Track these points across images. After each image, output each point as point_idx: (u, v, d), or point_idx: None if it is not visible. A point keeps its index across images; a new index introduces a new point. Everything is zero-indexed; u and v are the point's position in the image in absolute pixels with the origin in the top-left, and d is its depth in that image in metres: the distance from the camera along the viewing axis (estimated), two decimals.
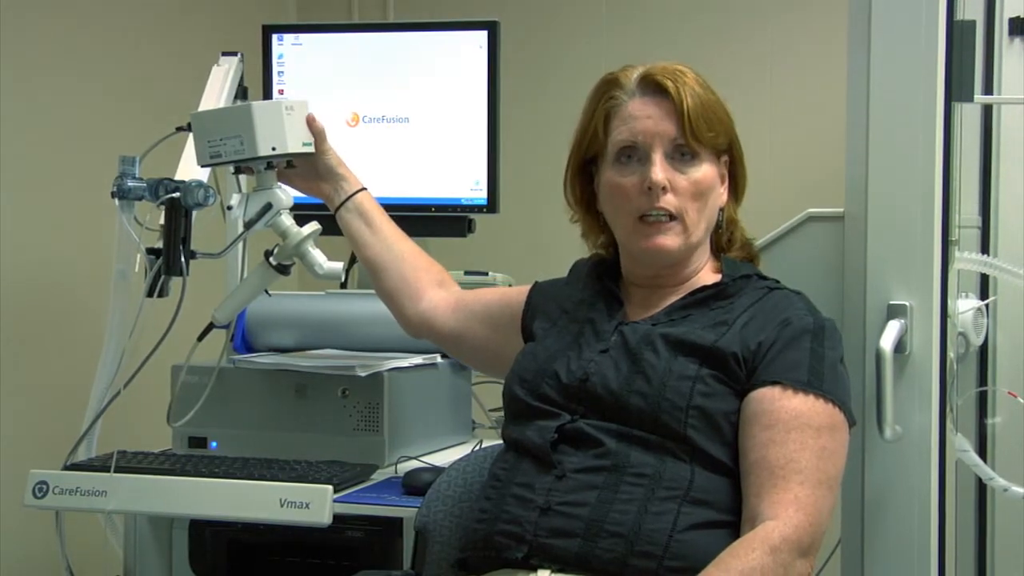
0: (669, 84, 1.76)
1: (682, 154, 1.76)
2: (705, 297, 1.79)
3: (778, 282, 1.83)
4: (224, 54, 2.46)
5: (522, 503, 1.69)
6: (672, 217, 1.76)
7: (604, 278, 1.88)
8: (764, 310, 1.75)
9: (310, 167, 2.09)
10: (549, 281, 1.98)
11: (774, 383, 1.65)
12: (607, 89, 1.81)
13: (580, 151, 1.85)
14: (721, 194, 1.82)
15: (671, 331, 1.74)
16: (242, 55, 2.46)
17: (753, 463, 1.64)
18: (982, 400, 2.55)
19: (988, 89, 2.51)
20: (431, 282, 2.09)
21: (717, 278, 1.83)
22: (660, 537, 1.61)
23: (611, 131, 1.79)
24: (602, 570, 1.62)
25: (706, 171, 1.78)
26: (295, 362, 2.31)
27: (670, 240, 1.76)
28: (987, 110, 2.53)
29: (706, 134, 1.76)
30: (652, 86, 1.78)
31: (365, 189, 2.13)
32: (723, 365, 1.69)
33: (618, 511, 1.63)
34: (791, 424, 1.63)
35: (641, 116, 1.77)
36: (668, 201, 1.75)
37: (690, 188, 1.76)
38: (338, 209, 2.09)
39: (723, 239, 1.86)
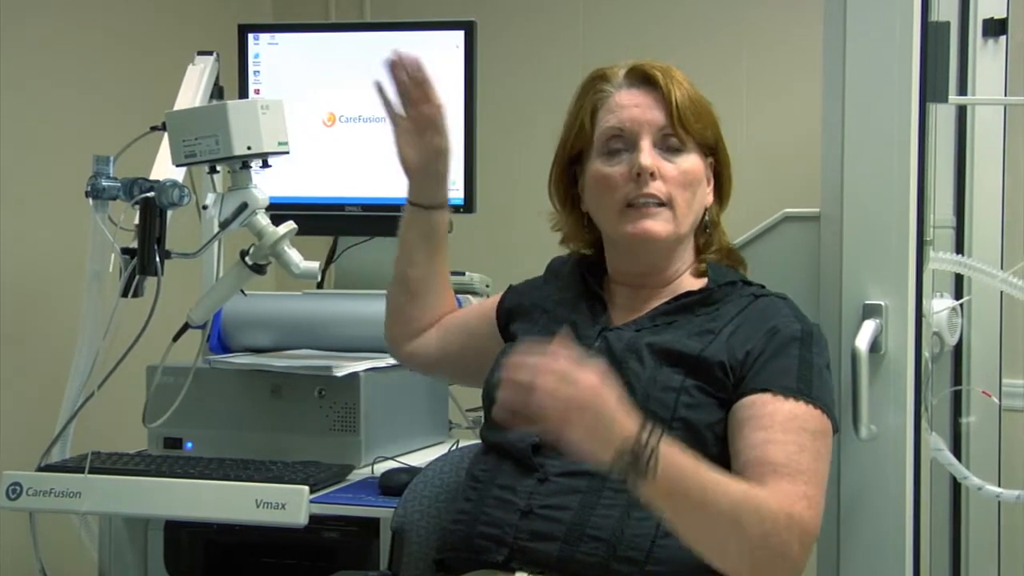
0: (658, 75, 1.76)
1: (669, 145, 1.75)
2: (691, 303, 1.78)
3: (763, 287, 1.82)
4: (199, 53, 2.45)
5: (503, 505, 1.67)
6: (661, 204, 1.74)
7: (588, 277, 1.86)
8: (751, 318, 1.73)
9: (435, 149, 1.90)
10: (524, 282, 1.97)
11: (764, 390, 1.64)
12: (594, 83, 1.81)
13: (566, 148, 1.84)
14: (708, 193, 1.81)
15: (656, 339, 1.72)
16: (218, 54, 2.45)
17: (749, 461, 1.59)
18: (956, 399, 2.56)
19: (962, 90, 2.52)
20: (437, 325, 2.02)
21: (701, 282, 1.81)
22: (643, 542, 1.60)
23: (598, 123, 1.78)
24: (583, 574, 1.60)
25: (694, 162, 1.77)
26: (271, 362, 2.30)
27: (659, 225, 1.74)
28: (961, 111, 2.54)
29: (694, 125, 1.75)
30: (640, 77, 1.78)
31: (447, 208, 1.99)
32: (709, 375, 1.67)
33: (600, 516, 1.62)
34: (788, 426, 1.61)
35: (629, 105, 1.76)
36: (657, 187, 1.73)
37: (679, 177, 1.75)
38: (418, 206, 1.94)
39: (703, 241, 1.84)
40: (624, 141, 1.75)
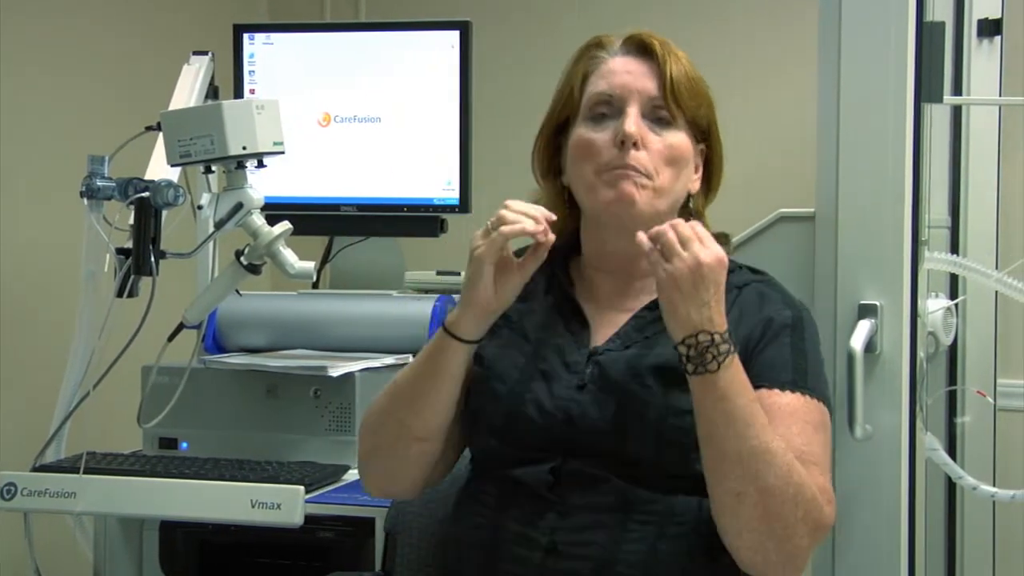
0: (656, 45, 1.67)
1: (658, 117, 1.64)
2: None
3: (744, 268, 1.72)
4: (195, 53, 2.45)
5: (525, 543, 1.56)
6: (641, 174, 1.61)
7: (557, 273, 1.70)
8: (744, 310, 1.64)
9: (515, 291, 1.63)
10: None
11: (759, 387, 1.56)
12: (589, 50, 1.72)
13: (553, 116, 1.72)
14: (695, 180, 1.70)
15: (657, 359, 1.59)
16: (213, 54, 2.45)
17: None
18: (951, 399, 2.56)
19: (957, 90, 2.52)
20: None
21: None
22: (675, 574, 1.54)
23: (587, 88, 1.68)
24: None
25: (683, 140, 1.65)
26: (266, 362, 2.30)
27: (638, 192, 1.60)
28: (956, 111, 2.54)
29: (688, 102, 1.65)
30: (637, 46, 1.69)
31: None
32: None
33: (629, 551, 1.54)
34: (789, 419, 1.56)
35: (621, 71, 1.67)
36: (639, 158, 1.61)
37: (664, 151, 1.63)
38: (468, 343, 1.62)
39: None
40: (611, 107, 1.65)
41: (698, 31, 3.26)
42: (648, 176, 1.62)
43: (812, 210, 2.00)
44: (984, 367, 2.57)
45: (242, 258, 2.07)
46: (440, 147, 2.51)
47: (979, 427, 2.55)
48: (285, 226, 2.06)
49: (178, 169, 2.11)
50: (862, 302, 1.92)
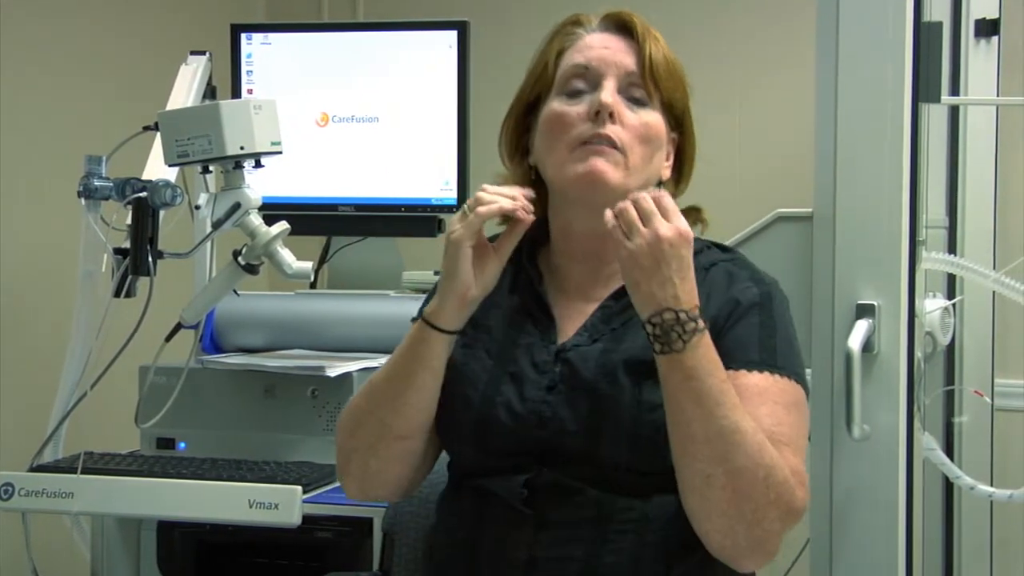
0: (636, 23, 1.63)
1: (634, 96, 1.59)
2: None
3: (715, 248, 1.67)
4: (192, 53, 2.45)
5: (503, 559, 1.53)
6: (615, 147, 1.55)
7: (523, 262, 1.64)
8: (710, 291, 1.58)
9: (490, 275, 1.59)
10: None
11: (727, 368, 1.50)
12: (565, 27, 1.67)
13: (525, 93, 1.67)
14: (665, 166, 1.64)
15: (626, 353, 1.55)
16: (210, 54, 2.45)
17: None
18: (949, 399, 2.56)
19: (955, 90, 2.52)
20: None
21: None
22: None
23: (562, 63, 1.62)
24: None
25: (658, 120, 1.61)
26: (264, 362, 2.30)
27: (609, 168, 1.54)
28: (954, 111, 2.54)
29: (665, 81, 1.61)
30: (616, 23, 1.64)
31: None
32: None
33: (609, 563, 1.51)
34: (758, 400, 1.51)
35: (598, 46, 1.62)
36: (614, 130, 1.55)
37: (639, 127, 1.57)
38: (441, 329, 1.58)
39: None
40: (587, 81, 1.60)
41: (697, 31, 3.26)
42: (621, 151, 1.56)
43: (810, 210, 2.00)
44: (982, 367, 2.57)
45: (240, 258, 2.07)
46: (438, 147, 2.51)
47: (977, 427, 2.55)
48: (283, 226, 2.06)
49: (176, 169, 2.11)
50: (860, 302, 1.92)
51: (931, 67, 1.96)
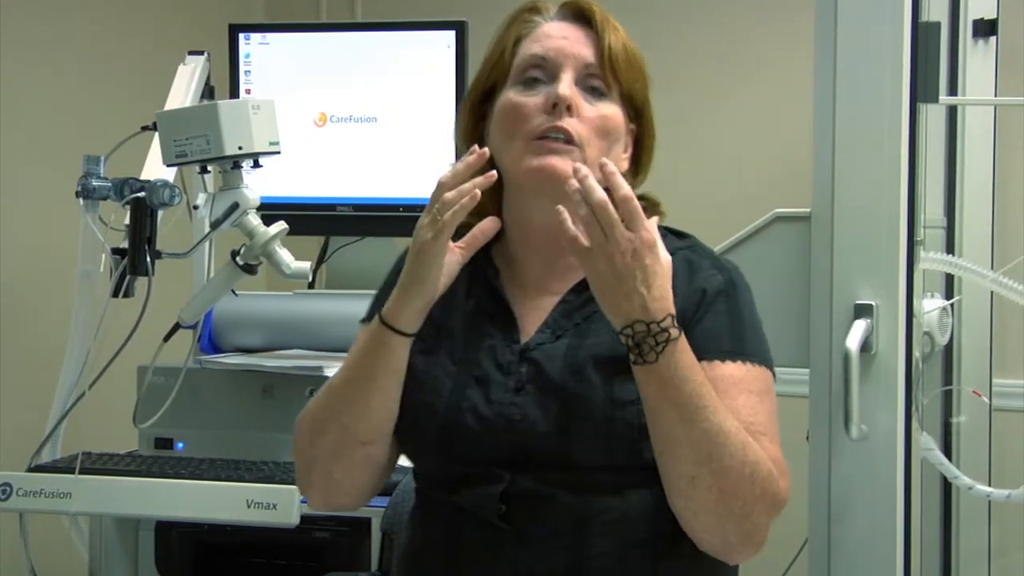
0: (595, 13, 1.58)
1: (592, 87, 1.56)
2: None
3: (671, 234, 1.62)
4: (190, 53, 2.45)
5: None
6: (572, 142, 1.51)
7: (478, 261, 1.57)
8: (673, 282, 1.50)
9: (452, 275, 1.55)
10: (382, 291, 1.64)
11: (699, 359, 1.47)
12: (522, 14, 1.62)
13: (480, 81, 1.62)
14: (624, 158, 1.61)
15: (593, 351, 1.52)
16: (208, 54, 2.45)
17: None
18: (947, 399, 2.56)
19: (953, 90, 2.52)
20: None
21: None
22: None
23: (519, 52, 1.58)
24: None
25: (616, 112, 1.57)
26: (262, 362, 2.30)
27: (565, 164, 1.49)
28: (952, 111, 2.55)
29: (624, 72, 1.57)
30: (574, 12, 1.60)
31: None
32: None
33: (596, 568, 1.48)
34: (733, 391, 1.50)
35: (556, 36, 1.58)
36: (571, 124, 1.51)
37: (596, 120, 1.54)
38: (403, 332, 1.52)
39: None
40: (545, 72, 1.56)
41: (696, 31, 3.26)
42: (578, 146, 1.52)
43: (808, 210, 2.00)
44: (980, 367, 2.57)
45: (238, 258, 2.07)
46: (436, 147, 2.51)
47: (975, 427, 2.55)
48: (281, 226, 2.06)
49: (174, 169, 2.11)
50: (858, 302, 1.92)
51: (929, 67, 1.96)
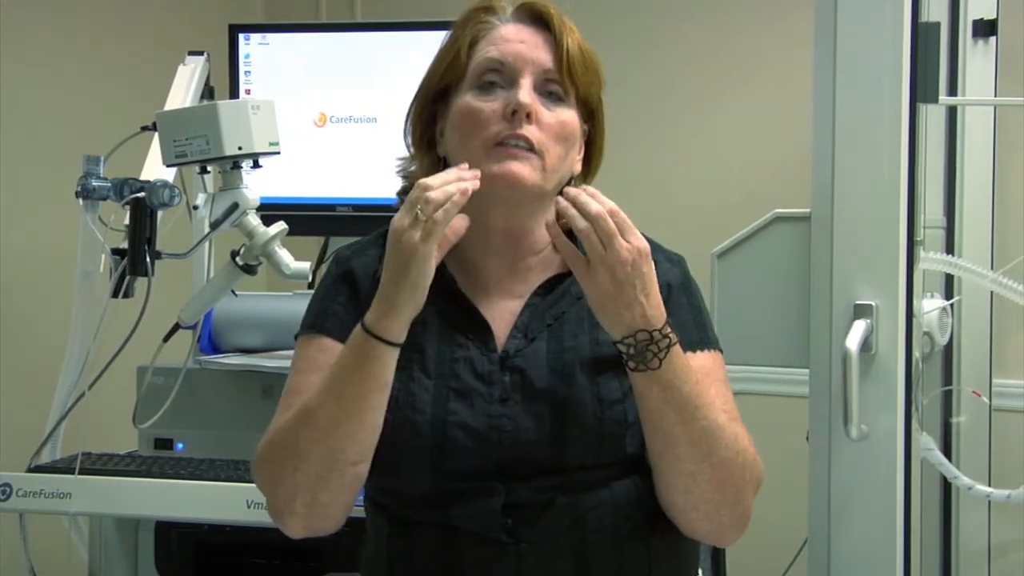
0: (552, 16, 1.57)
1: (550, 92, 1.54)
2: (568, 284, 1.56)
3: None
4: (190, 53, 2.45)
5: None
6: (532, 150, 1.50)
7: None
8: None
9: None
10: (321, 303, 1.59)
11: None
12: (477, 14, 1.60)
13: (433, 81, 1.60)
14: (577, 160, 1.60)
15: (575, 355, 1.52)
16: (208, 54, 2.45)
17: None
18: (947, 399, 2.56)
19: (952, 90, 2.52)
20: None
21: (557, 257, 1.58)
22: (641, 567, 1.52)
23: (475, 54, 1.56)
24: None
25: (573, 117, 1.56)
26: (262, 363, 2.30)
27: (526, 171, 1.49)
28: (952, 111, 2.54)
29: (581, 77, 1.56)
30: (531, 15, 1.58)
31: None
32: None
33: (597, 564, 1.49)
34: (707, 381, 1.51)
35: (514, 40, 1.56)
36: (530, 131, 1.50)
37: (555, 127, 1.52)
38: (392, 343, 1.46)
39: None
40: (502, 77, 1.54)
41: (695, 30, 3.26)
42: (538, 153, 1.51)
43: (808, 210, 2.00)
44: (979, 367, 2.57)
45: (238, 258, 2.07)
46: None
47: (975, 427, 2.55)
48: (280, 226, 2.06)
49: (174, 169, 2.11)
50: (858, 302, 1.92)
51: (929, 67, 1.96)
